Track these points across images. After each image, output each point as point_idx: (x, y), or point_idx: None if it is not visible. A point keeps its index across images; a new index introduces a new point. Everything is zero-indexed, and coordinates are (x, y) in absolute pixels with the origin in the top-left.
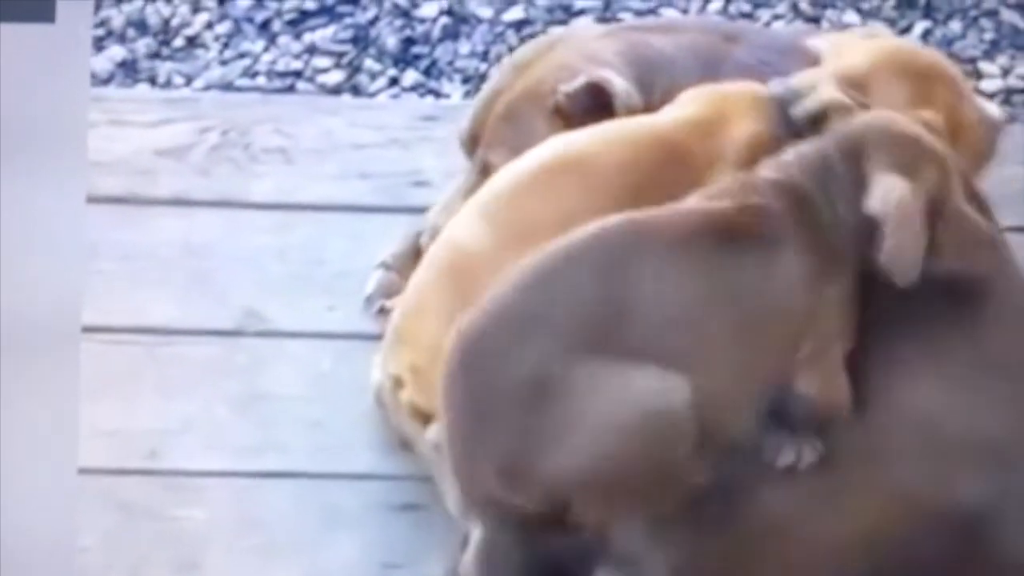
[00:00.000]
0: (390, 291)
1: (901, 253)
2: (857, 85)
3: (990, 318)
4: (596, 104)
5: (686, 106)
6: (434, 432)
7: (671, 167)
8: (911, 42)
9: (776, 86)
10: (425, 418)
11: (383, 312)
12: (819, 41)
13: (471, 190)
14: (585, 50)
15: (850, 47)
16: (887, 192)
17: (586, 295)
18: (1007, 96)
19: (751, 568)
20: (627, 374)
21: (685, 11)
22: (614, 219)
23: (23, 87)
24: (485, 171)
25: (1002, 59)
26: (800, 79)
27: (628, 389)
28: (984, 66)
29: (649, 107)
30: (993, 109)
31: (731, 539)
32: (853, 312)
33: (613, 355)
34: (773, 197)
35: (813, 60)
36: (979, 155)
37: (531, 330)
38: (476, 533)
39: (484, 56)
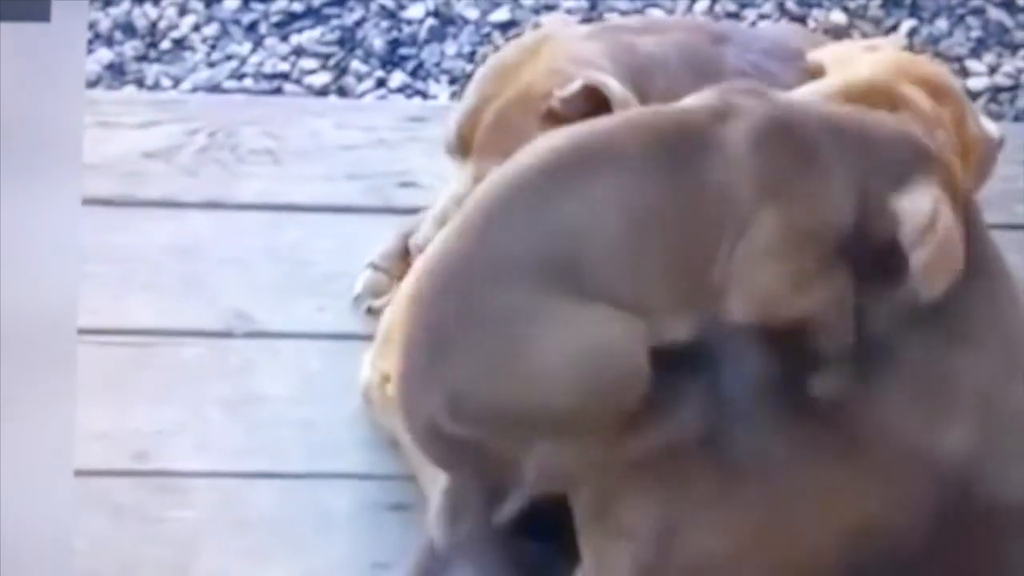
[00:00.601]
0: (379, 291)
1: (937, 267)
2: (864, 98)
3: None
4: (591, 108)
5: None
6: None
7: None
8: (915, 56)
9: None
10: None
11: (372, 312)
12: (821, 53)
13: (463, 199)
14: (573, 53)
15: (854, 59)
16: (920, 202)
17: (538, 226)
18: (994, 94)
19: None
20: (582, 312)
21: (671, 11)
22: (558, 138)
23: (18, 86)
24: (478, 180)
25: (989, 57)
26: (811, 91)
27: (583, 328)
28: (971, 64)
29: None
30: (991, 126)
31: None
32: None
33: (569, 289)
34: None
35: (805, 65)
36: (981, 172)
37: (491, 265)
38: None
39: (471, 57)
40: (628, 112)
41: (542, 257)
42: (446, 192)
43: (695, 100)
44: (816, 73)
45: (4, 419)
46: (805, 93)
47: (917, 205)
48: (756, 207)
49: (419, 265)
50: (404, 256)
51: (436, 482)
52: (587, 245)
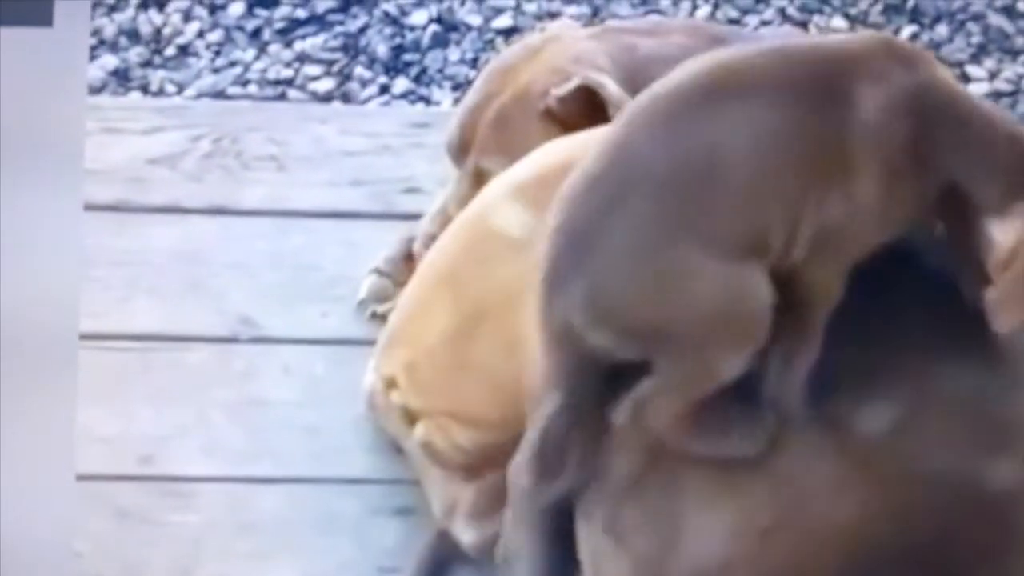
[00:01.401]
0: (383, 296)
1: (1008, 306)
2: None
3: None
4: (588, 108)
5: None
6: (420, 432)
7: None
8: None
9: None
10: (413, 420)
11: (376, 317)
12: None
13: (463, 197)
14: (574, 52)
15: None
16: (1006, 234)
17: (676, 143)
18: (995, 100)
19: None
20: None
21: (673, 17)
22: (708, 61)
23: (20, 91)
24: (478, 178)
25: (989, 63)
26: None
27: (722, 261)
28: (971, 70)
29: None
30: None
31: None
32: None
33: (700, 212)
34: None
35: None
36: None
37: (630, 174)
38: (545, 407)
39: (474, 63)
40: (785, 45)
41: (678, 175)
42: (446, 190)
43: (855, 43)
44: None
45: (5, 423)
46: None
47: (1003, 236)
48: (862, 171)
49: (569, 176)
50: (408, 261)
51: (439, 485)
52: (719, 166)
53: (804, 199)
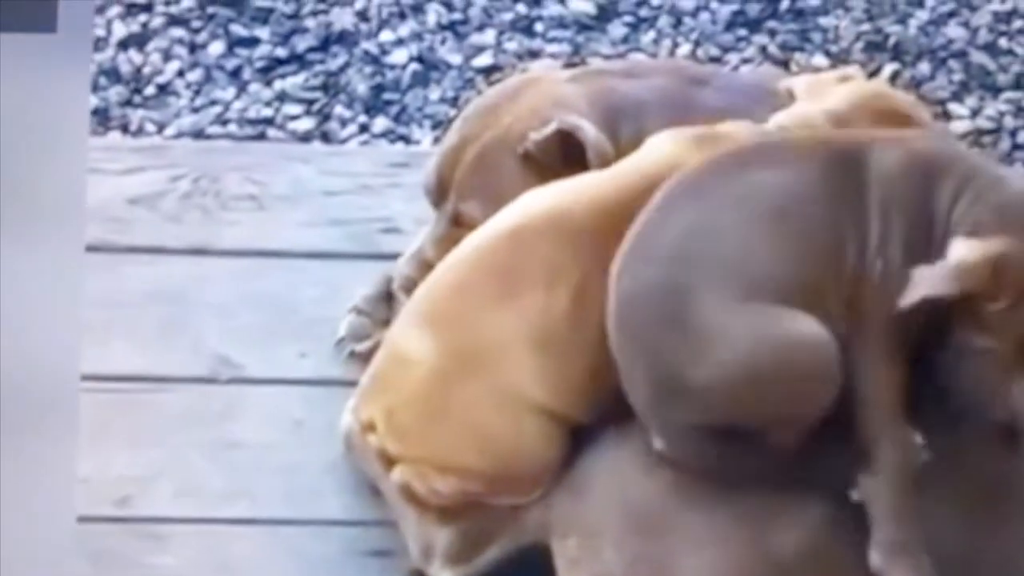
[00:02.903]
0: (362, 335)
1: None
2: (843, 126)
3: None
4: (566, 151)
5: (666, 146)
6: (398, 475)
7: None
8: (886, 86)
9: (768, 126)
10: (391, 463)
11: (354, 356)
12: (793, 81)
13: (441, 239)
14: (553, 95)
15: (826, 88)
16: None
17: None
18: (977, 137)
19: None
20: (770, 313)
21: (655, 55)
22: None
23: (23, 96)
24: (457, 221)
25: (971, 100)
26: (790, 117)
27: (775, 318)
28: (953, 107)
29: (619, 153)
30: None
31: None
32: None
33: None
34: None
35: (783, 105)
36: None
37: (676, 269)
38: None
39: (454, 102)
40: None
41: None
42: (425, 232)
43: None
44: (787, 99)
45: (5, 467)
46: (786, 119)
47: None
48: (881, 221)
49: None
50: (387, 300)
51: (416, 527)
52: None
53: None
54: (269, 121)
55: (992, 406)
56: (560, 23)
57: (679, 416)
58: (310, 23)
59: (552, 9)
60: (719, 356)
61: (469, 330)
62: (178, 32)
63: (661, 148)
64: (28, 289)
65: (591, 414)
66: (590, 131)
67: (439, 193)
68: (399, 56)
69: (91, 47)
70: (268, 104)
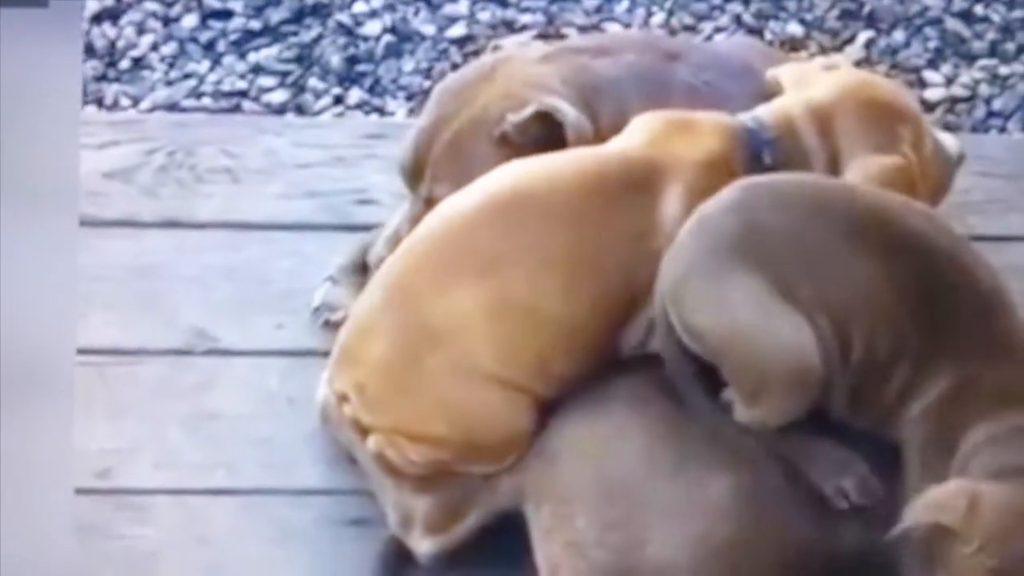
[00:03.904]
0: (337, 305)
1: None
2: (824, 118)
3: None
4: (545, 133)
5: (641, 130)
6: (373, 445)
7: (627, 193)
8: (871, 74)
9: (745, 119)
10: (365, 433)
11: (330, 326)
12: (779, 71)
13: (416, 221)
14: (528, 76)
15: (811, 77)
16: None
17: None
18: (951, 105)
19: None
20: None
21: (628, 25)
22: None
23: (15, 71)
24: (431, 204)
25: (946, 68)
26: (769, 111)
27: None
28: (928, 75)
29: (596, 133)
30: (952, 143)
31: None
32: None
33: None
34: None
35: (760, 83)
36: (938, 190)
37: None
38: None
39: (428, 73)
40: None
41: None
42: (400, 212)
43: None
44: (773, 91)
45: (4, 439)
46: (764, 113)
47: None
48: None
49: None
50: (362, 270)
51: (394, 497)
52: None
53: None
54: (243, 94)
55: None
56: None
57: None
58: None
59: None
60: (713, 311)
61: (430, 305)
62: (152, 5)
63: (632, 133)
64: (23, 262)
65: (553, 388)
66: (569, 112)
67: (414, 175)
68: (372, 27)
69: (82, 21)
70: (242, 77)
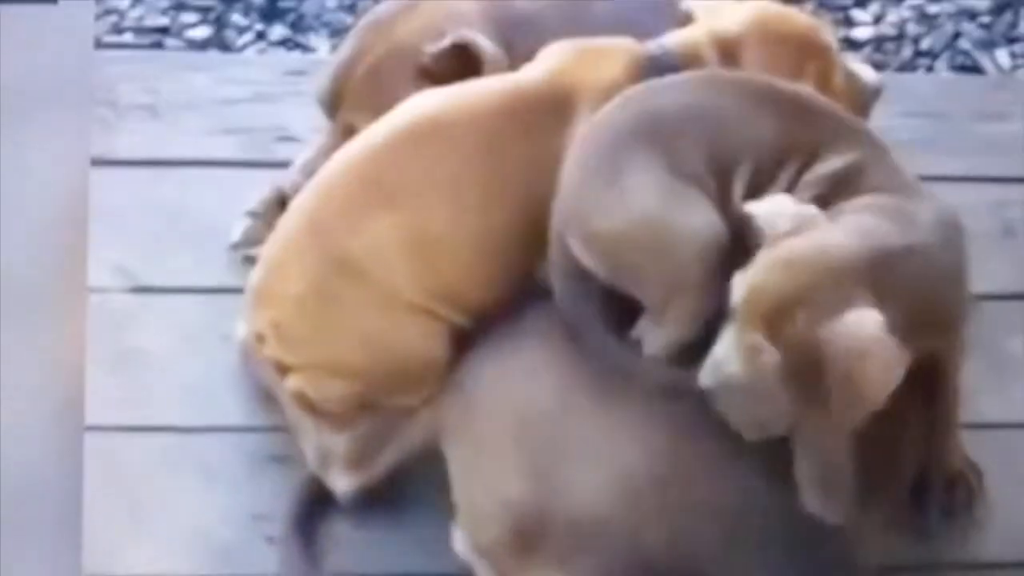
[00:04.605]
0: (256, 239)
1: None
2: (730, 48)
3: None
4: (462, 65)
5: (551, 59)
6: (292, 383)
7: (537, 120)
8: (785, 7)
9: (651, 46)
10: (285, 371)
11: (249, 261)
12: (694, 2)
13: (333, 150)
14: (449, 10)
15: (724, 9)
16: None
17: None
18: (878, 44)
19: None
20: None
21: None
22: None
23: (25, 65)
24: (348, 133)
25: (874, 7)
26: (675, 39)
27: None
28: (856, 13)
29: (513, 67)
30: (869, 74)
31: None
32: None
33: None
34: None
35: (677, 16)
36: None
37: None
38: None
39: (351, 9)
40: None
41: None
42: (315, 141)
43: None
44: (687, 22)
45: (9, 375)
46: (670, 41)
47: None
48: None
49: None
50: (280, 205)
51: (313, 435)
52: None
53: None
54: (165, 30)
55: None
56: None
57: (574, 256)
58: None
59: None
60: (615, 208)
61: (345, 238)
62: None
63: (542, 61)
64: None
65: (469, 316)
66: (486, 45)
67: (332, 104)
68: None
69: (92, 16)
70: (164, 13)
